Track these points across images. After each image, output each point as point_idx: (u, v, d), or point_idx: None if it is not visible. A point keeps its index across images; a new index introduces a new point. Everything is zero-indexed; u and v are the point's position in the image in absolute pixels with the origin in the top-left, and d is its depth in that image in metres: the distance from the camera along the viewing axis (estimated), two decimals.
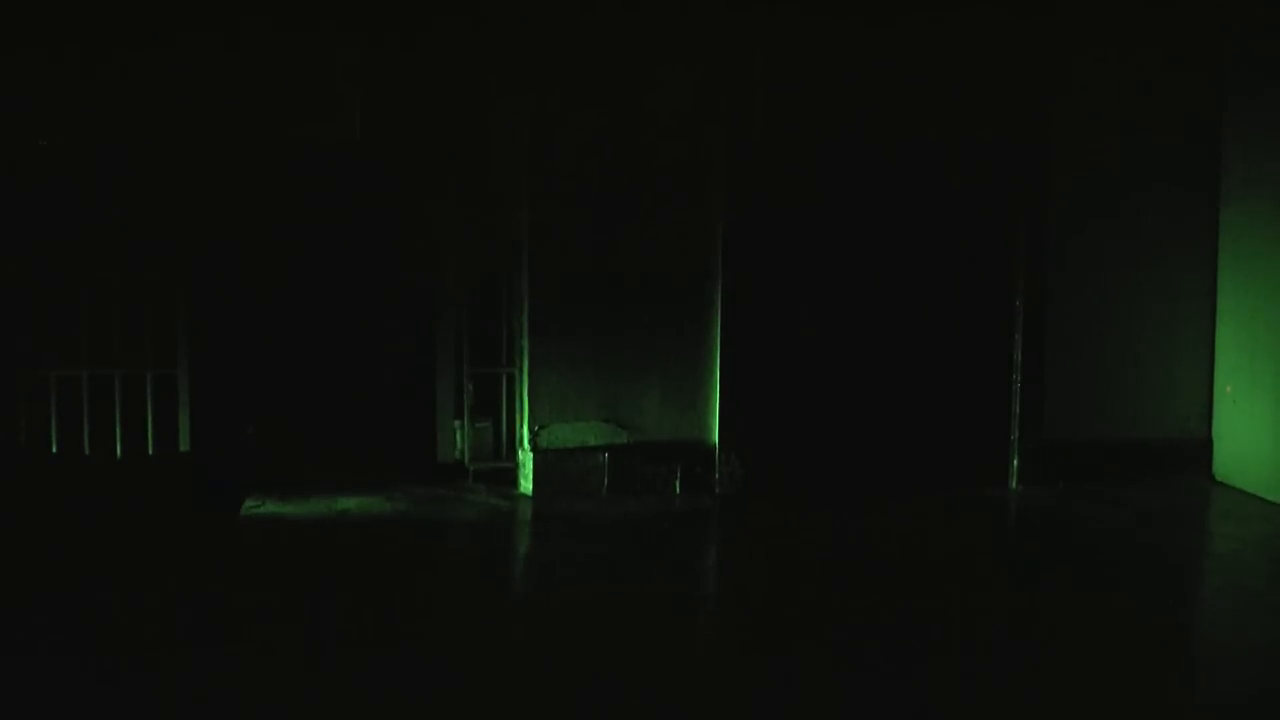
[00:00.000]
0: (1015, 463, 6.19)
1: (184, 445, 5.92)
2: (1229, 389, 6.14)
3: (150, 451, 5.89)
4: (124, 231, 5.85)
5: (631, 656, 3.88)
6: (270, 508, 5.59)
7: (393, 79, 5.99)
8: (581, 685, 3.65)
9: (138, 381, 5.91)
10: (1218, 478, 6.29)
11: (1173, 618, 4.46)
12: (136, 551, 4.93)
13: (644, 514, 5.68)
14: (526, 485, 5.95)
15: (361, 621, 4.16)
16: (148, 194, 5.87)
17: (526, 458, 5.95)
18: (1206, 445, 6.33)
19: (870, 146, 6.07)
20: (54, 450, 5.83)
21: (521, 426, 6.00)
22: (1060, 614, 4.39)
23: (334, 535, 5.23)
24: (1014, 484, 6.19)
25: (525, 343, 5.92)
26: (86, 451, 5.85)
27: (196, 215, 5.91)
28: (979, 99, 6.10)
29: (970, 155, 6.13)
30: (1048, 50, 6.08)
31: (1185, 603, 4.70)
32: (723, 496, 5.94)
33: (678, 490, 5.98)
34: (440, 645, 3.99)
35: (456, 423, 6.15)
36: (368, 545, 5.12)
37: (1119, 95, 6.15)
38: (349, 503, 5.68)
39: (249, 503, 5.63)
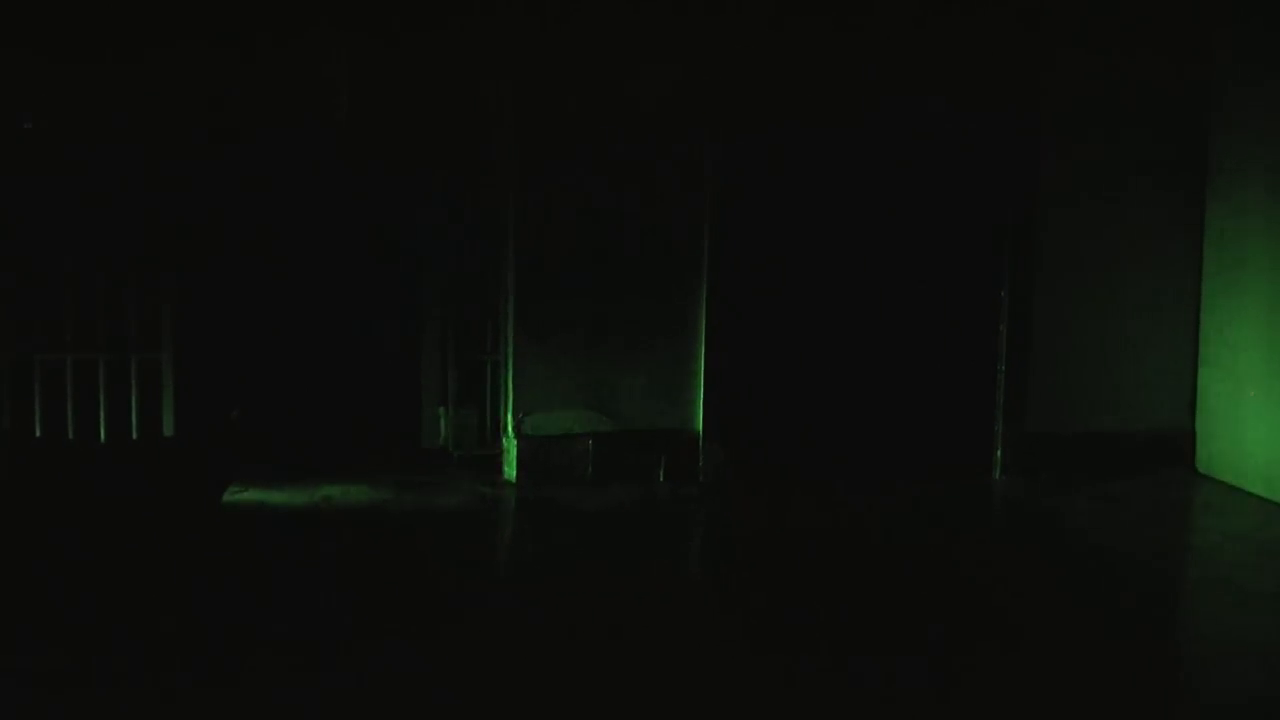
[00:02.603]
0: (999, 453, 6.20)
1: (168, 430, 5.91)
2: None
3: (134, 436, 5.88)
4: (110, 218, 5.83)
5: (616, 647, 3.89)
6: (253, 494, 5.59)
7: (379, 65, 5.96)
8: (569, 674, 3.66)
9: (121, 366, 5.90)
10: (1200, 470, 6.30)
11: (1154, 612, 4.48)
12: (117, 538, 4.93)
13: (628, 501, 5.69)
14: (511, 472, 5.96)
15: (344, 612, 4.16)
16: (134, 179, 5.84)
17: (511, 444, 5.96)
18: (1189, 438, 6.35)
19: (858, 139, 6.06)
20: (37, 434, 5.81)
21: (506, 414, 6.00)
22: (1042, 606, 4.41)
23: (317, 522, 5.23)
24: (997, 474, 6.20)
25: (511, 330, 5.92)
26: (70, 436, 5.84)
27: (184, 200, 5.88)
28: (966, 93, 6.09)
29: (956, 146, 6.11)
30: (1035, 45, 6.06)
31: (1167, 597, 4.72)
32: (705, 485, 5.95)
33: (661, 478, 5.99)
34: (426, 635, 3.99)
35: (441, 409, 6.15)
36: (350, 533, 5.13)
37: (1106, 87, 6.13)
38: (332, 490, 5.68)
39: (232, 488, 5.62)
